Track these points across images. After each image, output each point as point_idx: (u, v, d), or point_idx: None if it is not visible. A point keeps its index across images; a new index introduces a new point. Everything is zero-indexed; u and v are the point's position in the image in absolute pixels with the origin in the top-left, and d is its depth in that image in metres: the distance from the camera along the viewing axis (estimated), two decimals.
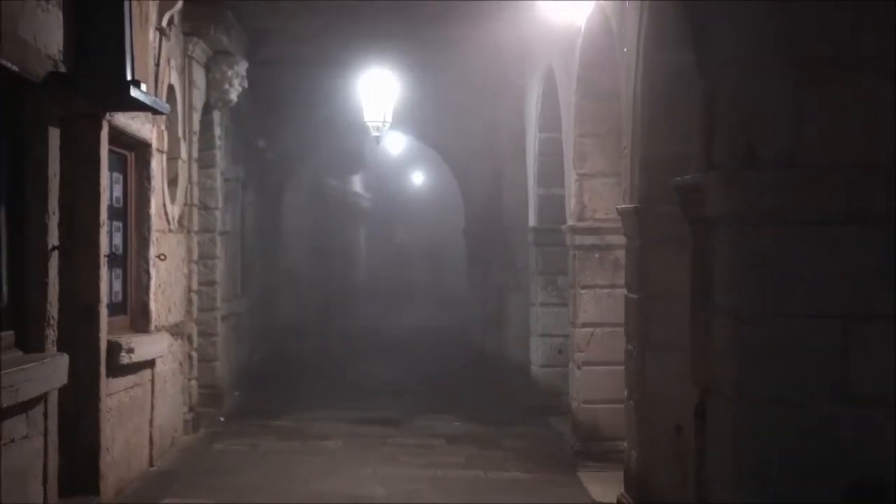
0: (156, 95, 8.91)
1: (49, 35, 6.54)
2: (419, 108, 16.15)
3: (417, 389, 14.49)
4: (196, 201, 11.26)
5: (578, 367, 10.07)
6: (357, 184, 31.36)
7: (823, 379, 4.42)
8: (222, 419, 11.83)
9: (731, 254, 4.53)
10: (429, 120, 17.01)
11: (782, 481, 4.43)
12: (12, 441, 6.00)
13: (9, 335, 6.36)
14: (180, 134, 10.45)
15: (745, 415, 4.48)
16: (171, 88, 10.04)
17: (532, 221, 13.14)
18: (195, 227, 11.22)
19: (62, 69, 6.71)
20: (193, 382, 11.12)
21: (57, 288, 6.72)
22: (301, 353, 18.11)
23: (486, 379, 15.08)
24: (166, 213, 9.90)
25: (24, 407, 6.12)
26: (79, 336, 7.27)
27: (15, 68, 5.96)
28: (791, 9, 4.35)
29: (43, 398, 6.41)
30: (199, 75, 11.33)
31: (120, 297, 8.82)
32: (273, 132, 16.75)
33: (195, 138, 11.15)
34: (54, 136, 6.65)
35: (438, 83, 15.64)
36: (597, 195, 9.95)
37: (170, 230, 10.07)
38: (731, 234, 4.52)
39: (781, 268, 4.42)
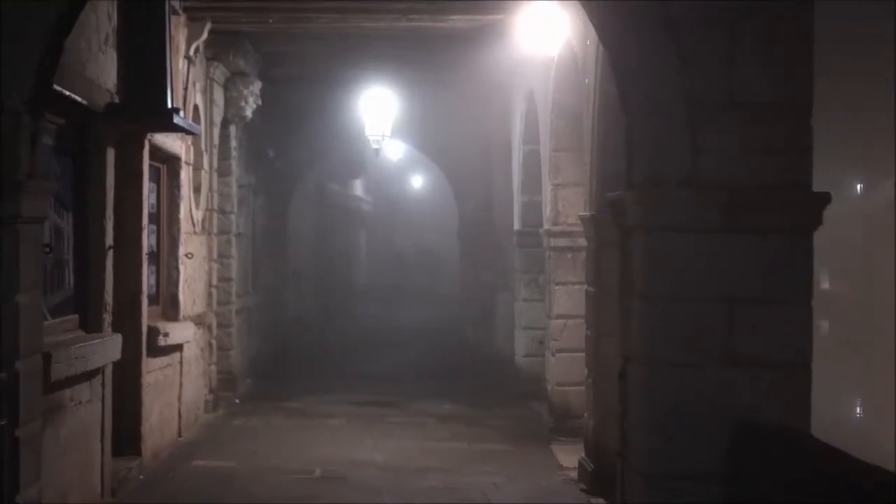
0: (184, 115, 10.34)
1: (107, 73, 7.99)
2: (417, 121, 17.62)
3: (413, 378, 15.90)
4: (215, 206, 12.68)
5: (553, 355, 11.47)
6: (358, 188, 32.72)
7: (713, 347, 5.81)
8: (237, 401, 13.24)
9: (642, 253, 5.93)
10: (426, 131, 18.48)
11: (680, 425, 5.80)
12: (80, 403, 7.42)
13: (74, 318, 7.80)
14: (203, 147, 11.85)
15: (651, 376, 5.89)
16: (195, 108, 11.45)
17: (516, 225, 14.54)
18: (214, 230, 12.65)
19: (116, 100, 8.16)
20: (213, 367, 12.54)
21: (112, 280, 8.15)
22: (306, 347, 19.52)
23: (475, 369, 16.49)
24: (192, 217, 11.30)
25: (89, 376, 7.54)
26: (125, 321, 8.69)
27: (84, 102, 7.40)
28: (689, 72, 5.78)
29: (101, 370, 7.83)
30: (218, 94, 12.74)
31: (154, 290, 10.22)
32: (282, 142, 18.11)
33: (215, 151, 12.57)
34: (110, 155, 8.10)
35: (435, 99, 17.10)
36: (569, 203, 11.34)
37: (194, 232, 11.48)
38: (642, 239, 5.93)
39: (679, 264, 5.81)
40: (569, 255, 11.38)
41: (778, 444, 5.57)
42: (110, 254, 8.11)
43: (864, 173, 42.39)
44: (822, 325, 36.07)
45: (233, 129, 13.62)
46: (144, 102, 8.46)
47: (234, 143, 13.71)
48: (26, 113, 5.81)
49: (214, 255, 12.65)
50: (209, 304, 12.38)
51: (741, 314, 5.86)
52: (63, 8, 5.92)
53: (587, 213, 9.10)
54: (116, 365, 8.30)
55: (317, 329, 22.55)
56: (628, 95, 6.10)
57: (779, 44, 5.83)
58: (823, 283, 43.57)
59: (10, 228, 5.70)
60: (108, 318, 8.11)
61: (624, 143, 6.36)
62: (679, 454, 5.82)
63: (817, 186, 5.94)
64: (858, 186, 44.52)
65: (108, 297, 8.10)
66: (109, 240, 8.10)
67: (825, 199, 5.85)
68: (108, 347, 7.84)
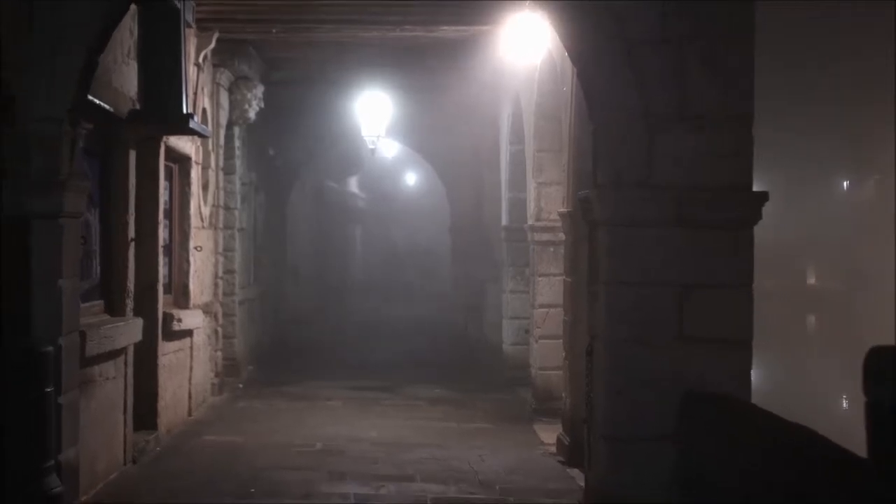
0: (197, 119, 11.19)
1: (129, 82, 8.84)
2: (411, 122, 18.44)
3: (406, 365, 16.78)
4: (221, 203, 13.53)
5: (536, 341, 12.32)
6: (354, 185, 33.56)
7: (664, 326, 6.67)
8: (241, 386, 14.10)
9: (605, 245, 6.79)
10: (420, 132, 19.30)
11: (637, 394, 6.66)
12: (107, 379, 8.28)
13: (100, 303, 8.66)
14: (210, 148, 12.69)
15: (612, 351, 6.76)
16: (204, 111, 12.29)
17: (504, 221, 15.38)
18: (220, 225, 13.49)
19: (137, 106, 9.01)
20: (219, 353, 13.39)
21: (133, 269, 9.01)
22: (304, 338, 20.35)
23: (465, 357, 17.37)
24: (200, 213, 12.14)
25: (114, 355, 8.41)
26: (143, 307, 9.54)
27: (110, 109, 8.25)
28: (645, 85, 6.65)
29: (125, 350, 8.69)
30: (223, 98, 13.59)
31: (166, 280, 11.06)
32: (282, 142, 18.89)
33: (221, 151, 13.42)
34: (132, 156, 8.96)
35: (428, 102, 17.90)
36: (551, 200, 12.19)
37: (203, 227, 12.33)
38: (605, 233, 6.79)
39: (637, 254, 6.67)
40: (550, 249, 12.23)
41: (721, 409, 6.44)
42: (132, 246, 8.97)
43: (849, 171, 43.36)
44: (808, 320, 37.02)
45: (236, 130, 14.47)
46: (162, 108, 9.32)
47: (237, 143, 14.56)
48: (67, 121, 6.67)
49: (220, 249, 13.50)
50: (215, 294, 13.22)
51: (690, 298, 6.72)
52: (98, 30, 6.78)
53: (565, 210, 9.96)
54: (136, 347, 9.15)
55: (314, 321, 23.39)
56: (593, 105, 6.96)
57: (723, 61, 6.69)
58: (810, 278, 44.53)
59: (54, 222, 6.57)
60: (130, 303, 8.97)
61: (591, 147, 7.22)
62: (636, 419, 6.68)
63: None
64: (844, 184, 45.49)
65: (130, 285, 8.96)
66: (131, 233, 8.96)
67: (763, 197, 6.73)
68: (131, 329, 8.71)
